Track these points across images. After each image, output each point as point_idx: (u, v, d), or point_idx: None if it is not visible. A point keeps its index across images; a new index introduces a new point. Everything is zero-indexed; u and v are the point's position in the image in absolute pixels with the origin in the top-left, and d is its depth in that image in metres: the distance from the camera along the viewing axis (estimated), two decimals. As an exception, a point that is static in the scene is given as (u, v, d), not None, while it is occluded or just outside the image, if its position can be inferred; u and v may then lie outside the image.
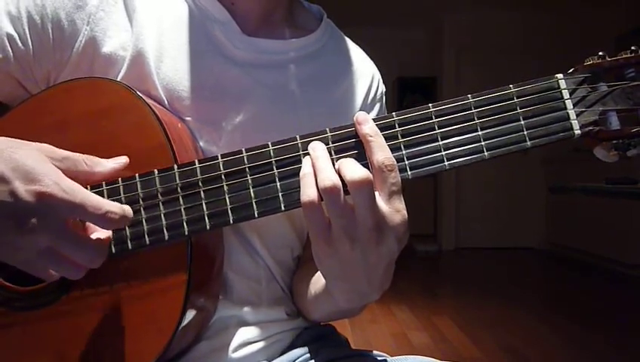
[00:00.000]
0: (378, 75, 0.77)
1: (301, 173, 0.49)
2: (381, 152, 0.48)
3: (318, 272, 0.61)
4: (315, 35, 0.71)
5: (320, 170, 0.48)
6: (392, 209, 0.48)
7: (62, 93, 0.59)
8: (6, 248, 0.47)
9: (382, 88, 0.77)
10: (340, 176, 0.47)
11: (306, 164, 0.49)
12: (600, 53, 0.51)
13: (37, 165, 0.47)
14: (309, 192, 0.47)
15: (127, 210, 0.50)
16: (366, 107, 0.73)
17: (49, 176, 0.47)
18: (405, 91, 6.34)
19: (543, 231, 5.86)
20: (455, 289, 4.39)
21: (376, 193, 0.48)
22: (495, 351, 2.66)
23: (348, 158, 0.49)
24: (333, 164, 0.49)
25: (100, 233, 0.51)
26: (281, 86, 0.66)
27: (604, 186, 3.43)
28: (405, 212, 0.49)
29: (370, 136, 0.49)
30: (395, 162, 0.48)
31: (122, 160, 0.54)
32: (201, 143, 0.62)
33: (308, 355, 0.66)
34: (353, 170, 0.47)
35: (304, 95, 0.67)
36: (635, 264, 4.29)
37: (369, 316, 3.28)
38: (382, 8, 5.60)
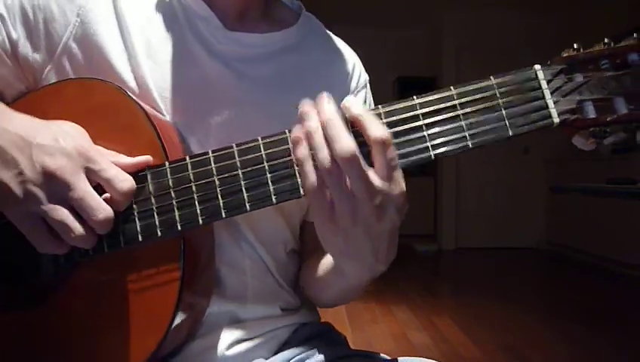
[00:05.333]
0: (360, 64, 0.77)
1: (299, 157, 0.48)
2: (376, 128, 0.48)
3: (325, 256, 0.63)
4: (295, 28, 0.72)
5: (318, 149, 0.47)
6: (391, 183, 0.48)
7: (54, 93, 0.60)
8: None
9: (365, 76, 0.77)
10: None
11: (300, 148, 0.48)
12: (575, 46, 0.53)
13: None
14: (310, 178, 0.47)
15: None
16: (349, 95, 0.73)
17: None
18: (405, 91, 6.34)
19: (543, 231, 5.85)
20: (455, 289, 4.39)
21: (374, 169, 0.48)
22: (495, 351, 2.65)
23: (336, 128, 0.47)
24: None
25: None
26: (264, 79, 0.67)
27: (604, 186, 3.43)
28: (404, 184, 0.49)
29: (362, 115, 0.49)
30: (391, 137, 0.49)
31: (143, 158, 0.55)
32: (190, 141, 0.63)
33: (305, 354, 0.66)
34: (340, 146, 0.46)
35: (287, 87, 0.68)
36: (635, 264, 4.29)
37: (369, 316, 3.28)
38: (382, 8, 5.60)
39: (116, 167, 0.53)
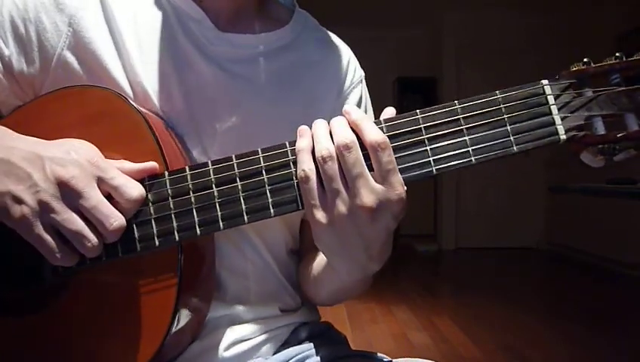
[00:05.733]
0: (354, 60, 0.77)
1: (297, 148, 0.51)
2: (372, 132, 0.49)
3: (320, 254, 0.63)
4: (289, 26, 0.71)
5: (318, 141, 0.50)
6: (388, 187, 0.49)
7: (54, 100, 0.60)
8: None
9: (360, 72, 0.77)
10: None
11: (302, 139, 0.51)
12: (585, 60, 0.51)
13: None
14: (304, 166, 0.50)
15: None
16: (344, 92, 0.73)
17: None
18: (405, 91, 6.33)
19: (543, 231, 5.85)
20: (455, 289, 4.39)
21: (372, 172, 0.49)
22: (495, 351, 2.66)
23: (339, 123, 0.51)
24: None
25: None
26: (259, 80, 0.67)
27: (604, 186, 3.42)
28: (402, 189, 0.49)
29: (360, 120, 0.50)
30: (388, 140, 0.49)
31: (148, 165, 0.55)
32: (190, 146, 0.62)
33: (305, 354, 0.66)
34: (339, 134, 0.50)
35: (282, 86, 0.68)
36: (635, 264, 4.29)
37: (369, 316, 3.28)
38: (382, 8, 5.59)
39: (125, 175, 0.53)
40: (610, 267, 4.60)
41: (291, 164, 0.52)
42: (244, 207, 0.52)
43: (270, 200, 0.52)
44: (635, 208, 4.09)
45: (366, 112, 0.75)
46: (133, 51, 0.62)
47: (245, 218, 0.52)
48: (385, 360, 0.67)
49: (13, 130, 0.56)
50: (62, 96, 0.59)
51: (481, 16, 5.68)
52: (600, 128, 0.50)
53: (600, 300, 3.77)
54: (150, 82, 0.62)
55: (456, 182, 5.98)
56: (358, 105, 0.73)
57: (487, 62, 5.61)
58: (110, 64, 0.61)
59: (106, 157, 0.55)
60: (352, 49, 0.78)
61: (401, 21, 5.97)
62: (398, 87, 6.37)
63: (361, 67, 0.78)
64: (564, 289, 4.19)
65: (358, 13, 5.53)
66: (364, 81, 0.77)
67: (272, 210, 0.52)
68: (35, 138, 0.54)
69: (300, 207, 0.52)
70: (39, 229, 0.50)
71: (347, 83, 0.73)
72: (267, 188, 0.52)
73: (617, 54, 0.50)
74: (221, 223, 0.52)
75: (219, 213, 0.53)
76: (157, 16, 0.65)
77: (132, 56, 0.61)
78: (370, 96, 0.79)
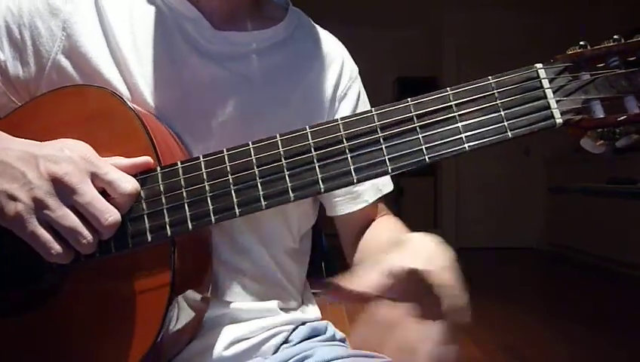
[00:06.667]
0: (348, 57, 0.77)
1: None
2: (453, 300, 0.50)
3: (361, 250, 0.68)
4: (283, 24, 0.72)
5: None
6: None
7: (50, 101, 0.60)
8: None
9: (355, 69, 0.77)
10: None
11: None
12: (581, 43, 0.50)
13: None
14: None
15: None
16: (342, 91, 0.73)
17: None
18: (405, 91, 6.32)
19: (543, 231, 5.85)
20: (455, 290, 4.38)
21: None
22: (495, 351, 2.65)
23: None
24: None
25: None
26: (255, 77, 0.67)
27: (603, 186, 3.43)
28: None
29: (442, 287, 0.51)
30: (465, 301, 0.49)
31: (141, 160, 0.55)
32: (188, 142, 0.63)
33: (304, 354, 0.66)
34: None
35: (276, 83, 0.68)
36: (635, 264, 4.29)
37: (369, 316, 3.27)
38: (382, 8, 5.60)
39: (118, 170, 0.53)
40: (610, 267, 4.60)
41: (281, 156, 0.52)
42: (235, 200, 0.52)
43: (261, 192, 0.52)
44: (635, 208, 4.09)
45: (363, 107, 0.75)
46: (128, 52, 0.62)
47: (237, 211, 0.52)
48: (384, 360, 0.67)
49: (9, 131, 0.57)
50: (57, 96, 0.59)
51: (481, 16, 5.68)
52: (599, 111, 0.49)
53: (600, 300, 3.77)
54: (146, 82, 0.62)
55: (456, 181, 5.98)
56: (357, 100, 0.74)
57: (488, 62, 5.59)
58: (104, 67, 0.61)
59: (100, 155, 0.55)
60: (351, 48, 0.79)
61: (400, 21, 5.97)
62: (398, 87, 6.37)
63: (361, 67, 0.79)
64: (564, 289, 4.19)
65: (357, 12, 5.53)
66: (359, 77, 0.77)
67: (263, 203, 0.52)
68: (30, 140, 0.54)
69: (292, 199, 0.52)
70: (34, 226, 0.50)
71: (344, 81, 0.74)
72: (258, 180, 0.52)
73: (615, 36, 0.48)
74: (213, 217, 0.52)
75: (210, 207, 0.52)
76: (152, 16, 0.65)
77: (127, 57, 0.62)
78: (370, 96, 0.80)
